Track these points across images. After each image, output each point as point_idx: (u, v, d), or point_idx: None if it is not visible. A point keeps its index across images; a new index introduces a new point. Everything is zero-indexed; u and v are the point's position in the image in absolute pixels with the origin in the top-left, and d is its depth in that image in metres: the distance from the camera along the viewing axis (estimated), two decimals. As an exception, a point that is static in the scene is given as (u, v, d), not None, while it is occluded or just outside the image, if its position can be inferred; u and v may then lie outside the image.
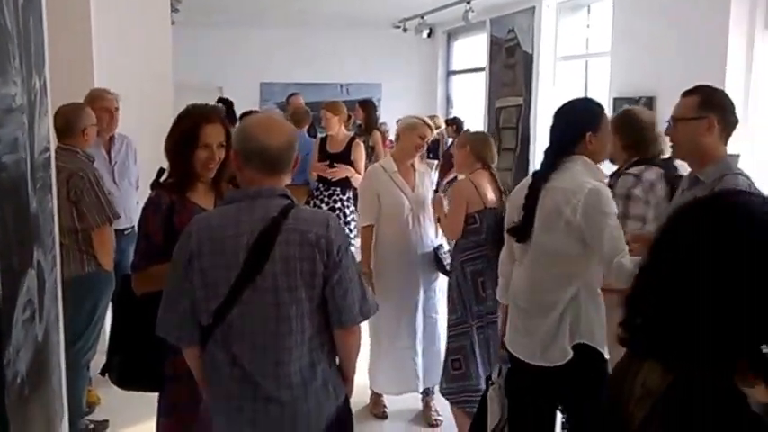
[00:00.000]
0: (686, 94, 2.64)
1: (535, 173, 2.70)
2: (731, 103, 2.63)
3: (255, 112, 7.09)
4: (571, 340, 2.55)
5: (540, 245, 2.58)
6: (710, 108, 2.54)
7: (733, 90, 5.50)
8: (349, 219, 5.70)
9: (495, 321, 3.42)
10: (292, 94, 8.34)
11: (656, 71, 6.25)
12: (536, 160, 8.09)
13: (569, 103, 2.79)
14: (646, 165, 3.15)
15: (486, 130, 9.15)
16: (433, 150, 7.50)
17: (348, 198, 5.75)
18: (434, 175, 7.18)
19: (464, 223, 3.61)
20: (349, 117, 6.28)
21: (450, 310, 3.73)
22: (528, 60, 8.14)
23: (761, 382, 0.95)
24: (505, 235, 2.79)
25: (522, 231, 2.62)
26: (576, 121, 2.66)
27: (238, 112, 7.01)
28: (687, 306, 0.98)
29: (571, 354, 2.54)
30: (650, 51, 6.33)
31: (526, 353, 2.64)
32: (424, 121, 3.99)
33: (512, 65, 8.51)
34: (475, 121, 9.38)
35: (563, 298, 2.53)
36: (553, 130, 2.70)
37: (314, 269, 2.04)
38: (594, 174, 2.61)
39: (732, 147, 5.58)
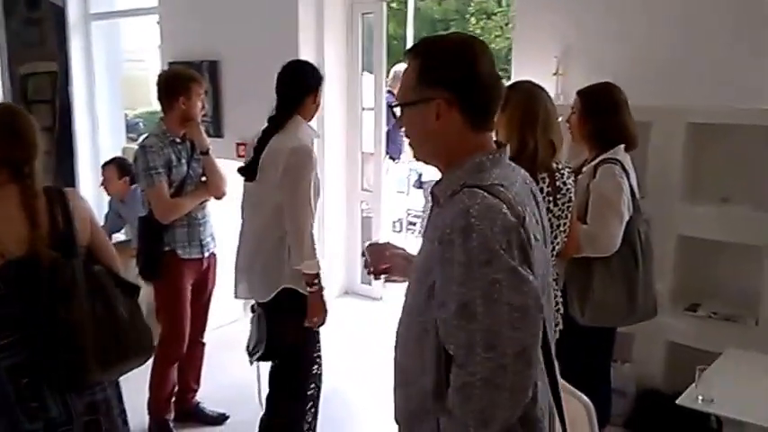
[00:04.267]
0: (406, 56, 1.58)
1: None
2: (479, 62, 1.49)
3: None
4: (278, 285, 2.89)
5: (255, 195, 2.96)
6: (436, 81, 1.48)
7: (307, 59, 5.03)
8: None
9: None
10: None
11: (218, 34, 5.67)
12: (81, 140, 6.92)
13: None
14: None
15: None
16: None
17: None
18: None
19: None
20: None
21: None
22: (60, 15, 6.83)
23: None
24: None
25: (249, 172, 2.94)
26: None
27: None
28: None
29: (273, 294, 2.90)
30: (207, 12, 5.72)
31: (240, 290, 3.07)
32: None
33: (36, 20, 7.05)
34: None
35: (266, 247, 2.91)
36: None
37: None
38: (305, 132, 2.93)
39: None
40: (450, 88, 1.48)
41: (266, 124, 2.96)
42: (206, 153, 3.40)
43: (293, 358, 3.07)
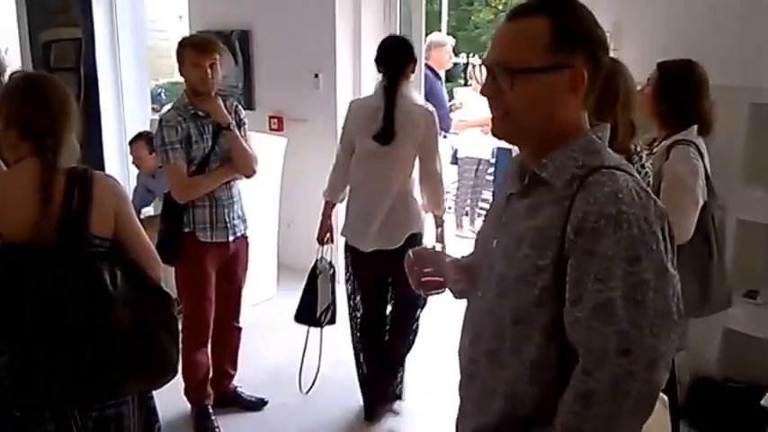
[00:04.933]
0: (519, 13, 1.31)
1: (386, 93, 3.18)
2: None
3: None
4: (407, 230, 3.25)
5: (388, 155, 3.18)
6: (576, 44, 1.28)
7: (344, 28, 4.88)
8: None
9: None
10: None
11: (249, 1, 5.52)
12: (106, 110, 6.72)
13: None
14: None
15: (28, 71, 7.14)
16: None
17: None
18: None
19: None
20: None
21: None
22: (83, -20, 6.68)
23: None
24: (343, 143, 3.33)
25: (387, 136, 3.15)
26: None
27: None
28: None
29: (404, 240, 3.23)
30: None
31: (371, 243, 3.27)
32: None
33: (60, -15, 6.90)
34: (12, 60, 7.20)
35: (399, 200, 3.23)
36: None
37: None
38: (417, 95, 3.34)
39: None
40: (590, 54, 1.29)
41: (381, 91, 3.18)
42: (227, 128, 3.14)
43: (411, 302, 3.40)
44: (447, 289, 1.66)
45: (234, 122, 3.18)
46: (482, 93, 1.35)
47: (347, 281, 3.48)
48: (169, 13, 6.58)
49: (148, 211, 5.00)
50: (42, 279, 1.84)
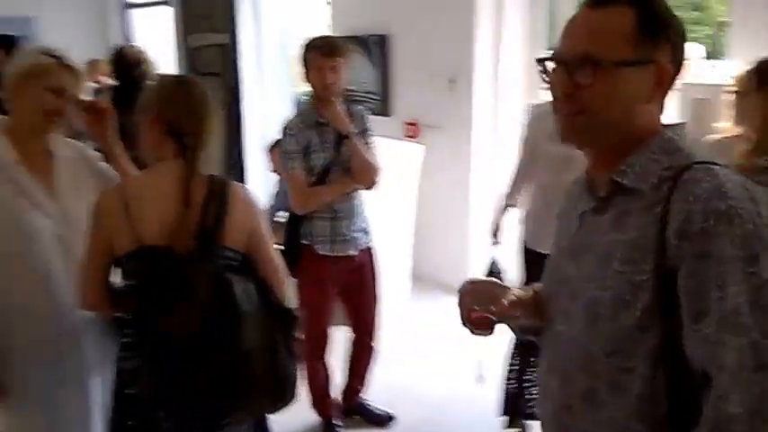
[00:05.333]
0: (601, 1, 1.21)
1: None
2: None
3: None
4: None
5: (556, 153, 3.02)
6: (659, 37, 1.19)
7: (484, 34, 4.70)
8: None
9: None
10: None
11: (388, 6, 5.46)
12: (249, 114, 6.85)
13: None
14: None
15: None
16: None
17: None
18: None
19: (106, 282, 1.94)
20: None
21: None
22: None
23: None
24: (525, 148, 3.19)
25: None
26: None
27: None
28: None
29: None
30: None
31: None
32: (59, 61, 2.09)
33: (205, -9, 7.11)
34: (166, 66, 7.54)
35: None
36: None
37: None
38: None
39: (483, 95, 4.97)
40: (674, 48, 1.20)
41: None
42: (347, 137, 3.00)
43: None
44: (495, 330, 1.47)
45: (356, 130, 3.04)
46: (554, 89, 1.24)
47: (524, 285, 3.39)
48: (309, 21, 6.64)
49: (285, 214, 5.03)
50: (179, 286, 1.80)
